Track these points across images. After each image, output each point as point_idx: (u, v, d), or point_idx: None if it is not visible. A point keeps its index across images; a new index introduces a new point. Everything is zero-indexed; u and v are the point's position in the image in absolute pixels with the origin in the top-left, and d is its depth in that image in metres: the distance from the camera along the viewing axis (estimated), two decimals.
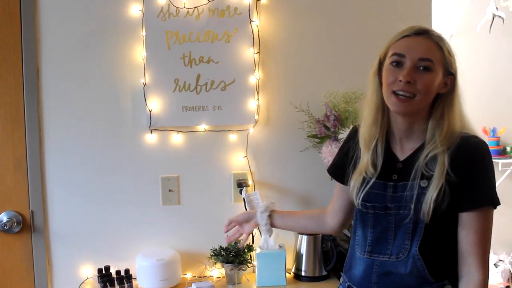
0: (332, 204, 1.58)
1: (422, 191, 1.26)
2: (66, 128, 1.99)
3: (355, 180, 1.38)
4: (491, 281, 3.20)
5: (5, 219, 1.94)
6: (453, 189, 1.24)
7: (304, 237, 2.00)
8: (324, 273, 2.01)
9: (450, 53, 1.28)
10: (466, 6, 3.05)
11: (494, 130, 3.15)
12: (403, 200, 1.29)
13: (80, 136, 1.99)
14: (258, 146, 2.10)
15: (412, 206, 1.27)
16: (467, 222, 1.25)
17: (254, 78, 2.04)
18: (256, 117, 2.06)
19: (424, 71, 1.24)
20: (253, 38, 2.03)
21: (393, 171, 1.34)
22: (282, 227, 1.67)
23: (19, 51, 1.94)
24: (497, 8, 2.90)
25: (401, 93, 1.24)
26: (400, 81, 1.24)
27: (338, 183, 1.52)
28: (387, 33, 1.38)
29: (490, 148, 3.60)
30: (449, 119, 1.27)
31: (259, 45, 2.05)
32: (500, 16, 2.89)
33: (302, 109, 2.07)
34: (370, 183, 1.35)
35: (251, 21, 2.02)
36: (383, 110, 1.34)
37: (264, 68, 2.07)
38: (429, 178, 1.26)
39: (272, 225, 1.62)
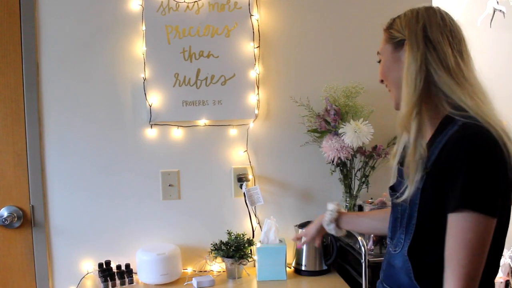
0: None
1: (417, 185, 1.15)
2: (66, 123, 1.98)
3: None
4: None
5: (5, 214, 1.94)
6: (436, 185, 1.11)
7: None
8: (325, 267, 2.01)
9: (400, 23, 1.21)
10: (466, 0, 3.04)
11: None
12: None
13: (80, 131, 1.99)
14: (258, 141, 2.10)
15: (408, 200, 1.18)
16: (449, 224, 1.08)
17: (254, 72, 2.04)
18: (256, 111, 2.06)
19: (379, 63, 1.29)
20: (253, 32, 2.02)
21: None
22: (348, 228, 1.58)
23: (18, 46, 1.93)
24: (498, 2, 2.89)
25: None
26: None
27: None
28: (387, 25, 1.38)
29: None
30: (406, 87, 1.16)
31: (259, 39, 2.04)
32: (501, 10, 2.89)
33: (302, 104, 2.06)
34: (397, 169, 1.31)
35: (251, 15, 2.02)
36: None
37: (264, 62, 2.07)
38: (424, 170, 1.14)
39: (338, 226, 1.55)
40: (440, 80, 1.13)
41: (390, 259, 1.27)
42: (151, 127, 2.03)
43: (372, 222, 1.55)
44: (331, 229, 1.55)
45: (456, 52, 1.15)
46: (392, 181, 1.33)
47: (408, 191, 1.15)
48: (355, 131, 1.90)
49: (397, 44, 1.21)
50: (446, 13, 1.19)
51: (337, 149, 1.94)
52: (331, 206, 1.55)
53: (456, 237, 1.06)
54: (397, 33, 1.21)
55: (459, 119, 1.10)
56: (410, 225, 1.17)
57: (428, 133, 1.19)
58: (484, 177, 1.04)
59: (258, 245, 1.97)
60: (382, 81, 1.29)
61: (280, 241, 1.99)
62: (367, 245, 1.78)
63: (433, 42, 1.14)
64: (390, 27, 1.25)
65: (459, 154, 1.05)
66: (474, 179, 1.04)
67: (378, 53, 1.29)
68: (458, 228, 1.05)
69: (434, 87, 1.14)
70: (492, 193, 1.05)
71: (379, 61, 1.29)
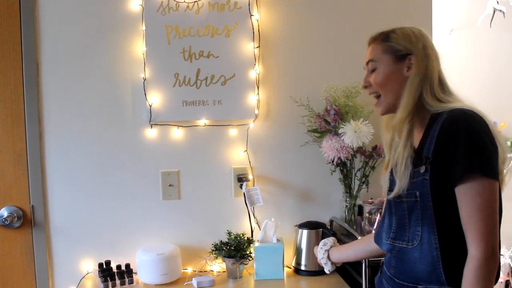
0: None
1: (424, 176, 1.25)
2: (66, 123, 1.98)
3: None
4: None
5: (5, 214, 1.94)
6: (441, 169, 1.22)
7: (304, 232, 2.01)
8: None
9: (399, 38, 1.32)
10: (466, 0, 3.04)
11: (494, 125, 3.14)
12: (410, 187, 1.29)
13: (80, 131, 1.99)
14: (258, 141, 2.10)
15: (417, 193, 1.27)
16: (459, 196, 1.20)
17: (254, 72, 2.04)
18: (256, 111, 2.06)
19: (373, 72, 1.37)
20: (253, 32, 2.02)
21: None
22: (339, 260, 1.74)
23: (18, 46, 1.93)
24: (497, 2, 2.89)
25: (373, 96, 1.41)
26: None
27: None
28: (388, 27, 1.38)
29: None
30: (408, 97, 1.30)
31: (259, 39, 2.04)
32: (501, 10, 2.89)
33: (302, 104, 2.06)
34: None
35: (251, 15, 2.02)
36: None
37: (264, 62, 2.07)
38: (425, 163, 1.25)
39: (329, 258, 1.73)
40: (434, 91, 1.28)
41: (403, 255, 1.33)
42: (151, 127, 2.03)
43: (357, 250, 1.67)
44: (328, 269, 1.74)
45: (442, 69, 1.33)
46: (385, 186, 1.43)
47: (398, 185, 1.30)
48: (355, 131, 1.90)
49: (400, 57, 1.32)
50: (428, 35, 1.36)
51: (337, 149, 1.94)
52: (327, 245, 1.74)
53: (466, 205, 1.18)
54: (399, 46, 1.32)
55: (445, 110, 1.25)
56: (426, 215, 1.26)
57: (417, 135, 1.33)
58: (482, 144, 1.17)
59: (256, 244, 1.97)
60: (366, 87, 1.40)
61: (278, 240, 1.99)
62: None
63: (431, 59, 1.30)
64: (386, 39, 1.35)
65: (456, 130, 1.19)
66: (473, 147, 1.17)
67: (371, 60, 1.37)
68: (468, 196, 1.18)
69: (430, 96, 1.29)
70: (491, 158, 1.18)
71: (373, 70, 1.37)
